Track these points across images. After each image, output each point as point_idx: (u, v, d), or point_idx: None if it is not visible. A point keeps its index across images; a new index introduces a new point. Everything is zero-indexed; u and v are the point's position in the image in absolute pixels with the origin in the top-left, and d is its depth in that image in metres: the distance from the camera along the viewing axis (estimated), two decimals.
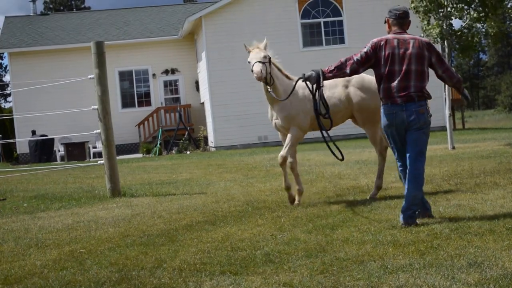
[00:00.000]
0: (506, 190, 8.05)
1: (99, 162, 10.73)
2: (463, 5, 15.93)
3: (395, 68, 6.37)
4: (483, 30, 16.79)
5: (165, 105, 30.43)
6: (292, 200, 8.27)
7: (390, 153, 10.10)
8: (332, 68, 6.63)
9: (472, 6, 16.11)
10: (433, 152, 14.44)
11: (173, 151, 26.26)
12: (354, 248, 5.47)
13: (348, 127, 13.75)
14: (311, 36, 26.97)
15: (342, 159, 7.62)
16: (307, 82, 6.92)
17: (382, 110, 6.51)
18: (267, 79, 7.93)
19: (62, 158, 27.09)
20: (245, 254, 5.54)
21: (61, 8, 70.17)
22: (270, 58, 7.98)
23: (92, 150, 27.76)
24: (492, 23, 15.96)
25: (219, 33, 26.33)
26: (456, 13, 16.02)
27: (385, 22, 6.64)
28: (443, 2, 16.00)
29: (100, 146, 23.33)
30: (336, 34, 27.01)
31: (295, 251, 5.53)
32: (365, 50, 6.50)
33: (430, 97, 6.49)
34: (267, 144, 25.38)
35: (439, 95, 23.48)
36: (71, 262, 5.71)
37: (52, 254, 6.11)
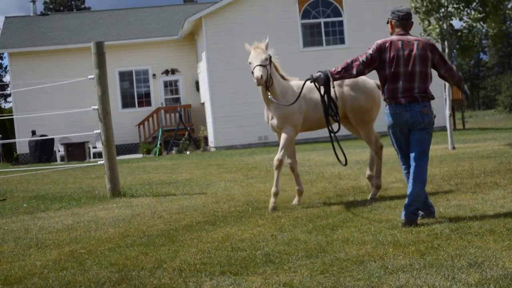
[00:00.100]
0: (507, 190, 8.05)
1: (99, 162, 10.72)
2: (463, 5, 15.93)
3: (400, 70, 6.40)
4: (484, 30, 16.79)
5: (165, 105, 30.44)
6: (274, 207, 7.81)
7: (388, 152, 10.11)
8: (339, 69, 6.63)
9: (472, 6, 16.11)
10: (434, 152, 14.42)
11: (173, 151, 26.26)
12: (355, 249, 5.47)
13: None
14: (311, 36, 26.98)
15: (345, 164, 7.43)
16: (316, 83, 6.89)
17: (386, 110, 6.54)
18: (267, 83, 7.90)
19: (62, 158, 27.07)
20: (245, 254, 5.54)
21: (61, 8, 70.19)
22: (270, 58, 7.96)
23: (92, 150, 27.75)
24: (493, 24, 15.95)
25: (219, 34, 26.33)
26: (456, 14, 16.01)
27: (388, 23, 6.64)
28: (443, 2, 16.00)
29: (100, 146, 23.32)
30: (336, 34, 27.02)
31: (295, 251, 5.52)
32: (370, 52, 6.51)
33: (433, 98, 6.53)
34: (267, 144, 25.38)
35: (439, 95, 23.49)
36: (71, 262, 5.70)
37: (52, 254, 6.11)
